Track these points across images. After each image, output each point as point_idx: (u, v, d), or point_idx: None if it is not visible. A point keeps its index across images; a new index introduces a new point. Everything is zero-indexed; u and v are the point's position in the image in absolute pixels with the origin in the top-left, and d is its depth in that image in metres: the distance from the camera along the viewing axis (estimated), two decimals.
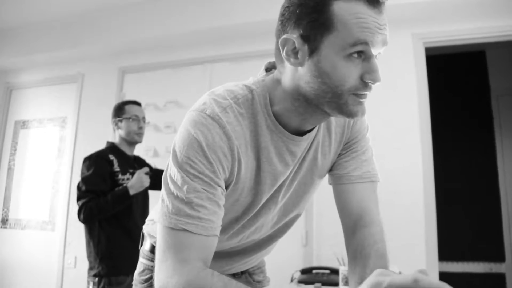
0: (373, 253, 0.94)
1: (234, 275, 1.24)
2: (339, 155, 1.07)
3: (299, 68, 0.85)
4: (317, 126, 1.00)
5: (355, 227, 0.98)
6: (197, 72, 3.78)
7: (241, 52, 3.65)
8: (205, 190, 0.83)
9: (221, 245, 1.05)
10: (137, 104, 2.74)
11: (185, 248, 0.80)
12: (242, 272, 1.26)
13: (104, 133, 3.73)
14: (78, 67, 4.27)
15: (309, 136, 0.98)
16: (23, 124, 4.48)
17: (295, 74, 0.87)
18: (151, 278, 1.19)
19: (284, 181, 1.01)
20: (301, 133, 0.96)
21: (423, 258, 2.94)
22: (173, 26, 3.71)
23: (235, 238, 1.06)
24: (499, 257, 4.21)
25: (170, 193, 0.84)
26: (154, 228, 1.19)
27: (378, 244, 0.95)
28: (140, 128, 2.66)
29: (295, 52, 0.84)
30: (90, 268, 2.45)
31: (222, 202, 0.86)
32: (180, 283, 0.77)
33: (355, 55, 0.81)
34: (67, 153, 4.14)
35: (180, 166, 0.84)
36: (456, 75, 4.58)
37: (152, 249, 1.23)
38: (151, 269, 1.21)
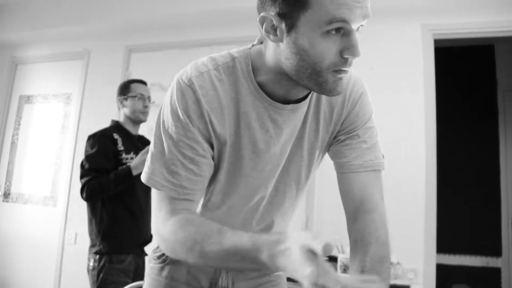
0: (374, 241, 0.94)
1: None
2: (338, 139, 1.05)
3: (280, 43, 0.86)
4: (307, 104, 0.99)
5: (357, 213, 0.97)
6: (204, 54, 3.73)
7: (249, 35, 3.56)
8: (183, 154, 0.90)
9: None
10: (143, 83, 2.73)
11: (168, 205, 0.92)
12: None
13: (108, 111, 3.72)
14: (85, 44, 4.25)
15: (294, 109, 0.97)
16: (28, 99, 4.48)
17: (276, 50, 0.88)
18: (163, 255, 1.20)
19: (278, 160, 1.01)
20: (287, 103, 0.96)
21: (421, 249, 2.96)
22: (182, 6, 3.68)
23: (236, 217, 1.07)
24: (496, 252, 4.23)
25: (152, 153, 0.94)
26: None
27: (380, 231, 0.95)
28: (145, 107, 2.65)
29: (274, 29, 0.85)
30: (92, 246, 2.47)
31: (201, 167, 0.93)
32: (170, 231, 0.89)
33: (333, 32, 0.79)
34: (71, 129, 4.14)
35: (165, 130, 0.92)
36: (463, 68, 4.55)
37: None
38: None
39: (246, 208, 1.08)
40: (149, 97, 2.70)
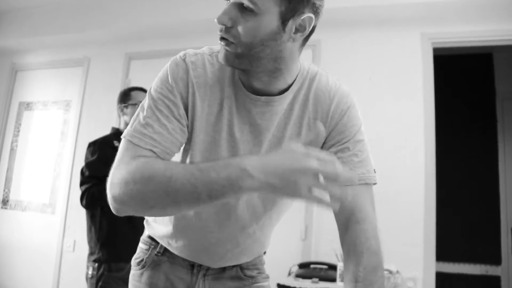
0: (366, 250, 0.94)
1: (225, 268, 1.24)
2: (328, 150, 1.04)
3: None
4: (285, 101, 1.01)
5: (348, 223, 0.98)
6: None
7: None
8: (160, 110, 0.95)
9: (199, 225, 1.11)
10: (143, 90, 2.73)
11: (131, 152, 0.93)
12: (233, 266, 1.25)
13: (107, 119, 3.72)
14: (85, 51, 4.26)
15: (269, 101, 0.99)
16: (27, 105, 4.48)
17: None
18: (142, 260, 1.24)
19: (251, 150, 1.02)
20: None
21: (420, 258, 2.96)
22: (181, 14, 3.70)
23: (210, 213, 1.08)
24: (496, 260, 4.23)
25: (135, 116, 0.98)
26: (152, 218, 1.27)
27: (371, 240, 0.95)
28: None
29: None
30: (91, 253, 2.46)
31: (174, 128, 0.96)
32: (123, 173, 0.88)
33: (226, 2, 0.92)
34: (70, 136, 4.14)
35: (150, 92, 0.99)
36: (462, 77, 4.56)
37: (149, 235, 1.29)
38: (144, 252, 1.25)
39: (236, 224, 1.11)
40: None
